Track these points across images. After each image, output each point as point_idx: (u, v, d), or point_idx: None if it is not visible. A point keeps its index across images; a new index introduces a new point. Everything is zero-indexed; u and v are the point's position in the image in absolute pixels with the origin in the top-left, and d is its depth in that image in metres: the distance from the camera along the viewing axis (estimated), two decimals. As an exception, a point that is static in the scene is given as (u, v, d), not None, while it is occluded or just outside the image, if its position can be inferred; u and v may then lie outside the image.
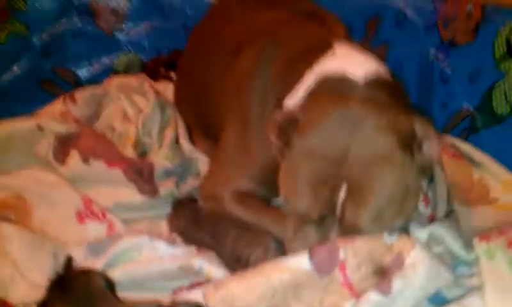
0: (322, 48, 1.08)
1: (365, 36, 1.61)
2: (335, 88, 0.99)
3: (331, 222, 0.90)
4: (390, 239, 0.90)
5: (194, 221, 1.11)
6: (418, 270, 0.84)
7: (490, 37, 1.37)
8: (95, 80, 1.76)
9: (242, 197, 1.12)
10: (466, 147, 1.31)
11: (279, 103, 1.06)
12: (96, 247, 1.02)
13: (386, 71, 1.06)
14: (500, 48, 1.35)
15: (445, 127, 1.44)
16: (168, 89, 1.58)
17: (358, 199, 0.88)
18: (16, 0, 1.68)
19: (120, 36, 1.81)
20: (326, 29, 1.28)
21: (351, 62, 1.04)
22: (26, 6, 1.70)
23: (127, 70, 1.80)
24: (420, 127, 0.92)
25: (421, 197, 1.12)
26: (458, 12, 1.45)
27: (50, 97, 1.72)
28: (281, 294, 0.87)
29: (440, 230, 1.05)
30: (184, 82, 1.45)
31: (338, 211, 0.89)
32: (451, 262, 1.02)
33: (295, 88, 1.05)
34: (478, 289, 0.94)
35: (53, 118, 1.31)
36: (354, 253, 0.87)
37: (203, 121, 1.33)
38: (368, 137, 0.90)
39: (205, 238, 1.05)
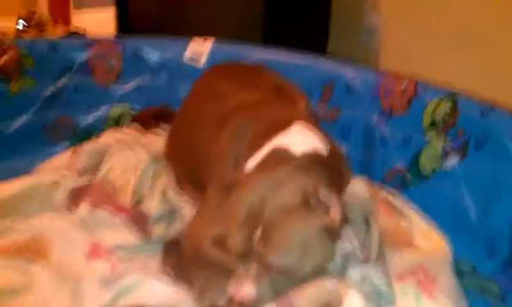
0: (282, 126, 1.36)
1: (321, 99, 1.88)
2: (277, 157, 1.27)
3: (252, 258, 1.15)
4: (332, 284, 1.17)
5: (178, 263, 1.35)
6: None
7: (419, 110, 1.64)
8: (92, 127, 2.04)
9: (217, 242, 1.35)
10: (397, 200, 1.56)
11: (240, 167, 1.33)
12: (107, 281, 1.25)
13: (326, 148, 1.32)
14: (427, 120, 1.63)
15: (382, 181, 1.70)
16: (157, 140, 1.83)
17: (267, 242, 1.13)
18: (27, 59, 1.94)
19: (114, 90, 2.05)
20: (291, 106, 1.57)
21: (296, 139, 1.31)
22: (34, 64, 1.96)
23: (119, 119, 2.06)
24: (324, 194, 1.16)
25: (356, 247, 1.35)
26: (395, 87, 1.72)
27: (52, 141, 2.00)
28: None
29: (370, 271, 1.25)
30: (174, 142, 1.71)
31: (255, 249, 1.14)
32: (377, 298, 1.22)
33: (254, 156, 1.32)
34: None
35: (67, 173, 1.55)
36: (304, 301, 1.13)
37: (189, 175, 1.60)
38: (281, 194, 1.16)
39: (186, 279, 1.29)
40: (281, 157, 1.28)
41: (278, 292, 1.16)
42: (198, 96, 1.71)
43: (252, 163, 1.32)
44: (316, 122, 1.49)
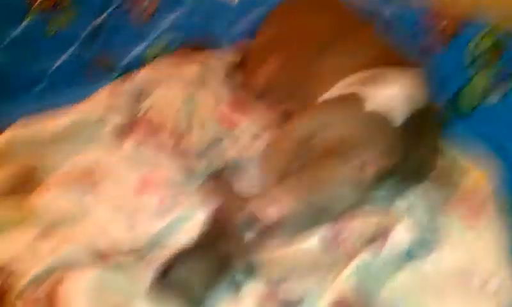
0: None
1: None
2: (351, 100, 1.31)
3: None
4: (378, 217, 1.22)
5: (220, 197, 1.37)
6: (402, 241, 1.17)
7: (461, 47, 1.64)
8: (131, 66, 1.97)
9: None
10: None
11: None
12: (158, 213, 1.30)
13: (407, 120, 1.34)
14: (468, 57, 1.63)
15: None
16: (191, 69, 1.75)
17: (301, 176, 1.21)
18: (64, -1, 1.94)
19: (153, 28, 2.03)
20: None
21: (392, 93, 1.34)
22: (71, 2, 1.96)
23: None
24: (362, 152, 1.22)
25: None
26: (435, 24, 1.71)
27: (90, 81, 1.98)
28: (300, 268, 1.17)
29: (415, 203, 1.30)
30: (280, 61, 1.63)
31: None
32: (421, 230, 1.26)
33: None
34: (440, 248, 1.24)
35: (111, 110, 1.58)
36: (351, 232, 1.18)
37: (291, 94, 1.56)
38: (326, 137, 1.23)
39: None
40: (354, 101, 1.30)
41: (304, 226, 1.21)
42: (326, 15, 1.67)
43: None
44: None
